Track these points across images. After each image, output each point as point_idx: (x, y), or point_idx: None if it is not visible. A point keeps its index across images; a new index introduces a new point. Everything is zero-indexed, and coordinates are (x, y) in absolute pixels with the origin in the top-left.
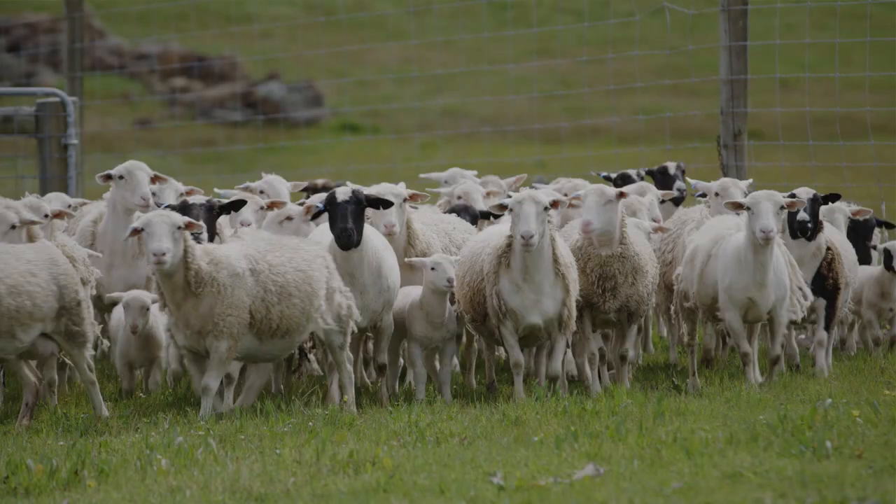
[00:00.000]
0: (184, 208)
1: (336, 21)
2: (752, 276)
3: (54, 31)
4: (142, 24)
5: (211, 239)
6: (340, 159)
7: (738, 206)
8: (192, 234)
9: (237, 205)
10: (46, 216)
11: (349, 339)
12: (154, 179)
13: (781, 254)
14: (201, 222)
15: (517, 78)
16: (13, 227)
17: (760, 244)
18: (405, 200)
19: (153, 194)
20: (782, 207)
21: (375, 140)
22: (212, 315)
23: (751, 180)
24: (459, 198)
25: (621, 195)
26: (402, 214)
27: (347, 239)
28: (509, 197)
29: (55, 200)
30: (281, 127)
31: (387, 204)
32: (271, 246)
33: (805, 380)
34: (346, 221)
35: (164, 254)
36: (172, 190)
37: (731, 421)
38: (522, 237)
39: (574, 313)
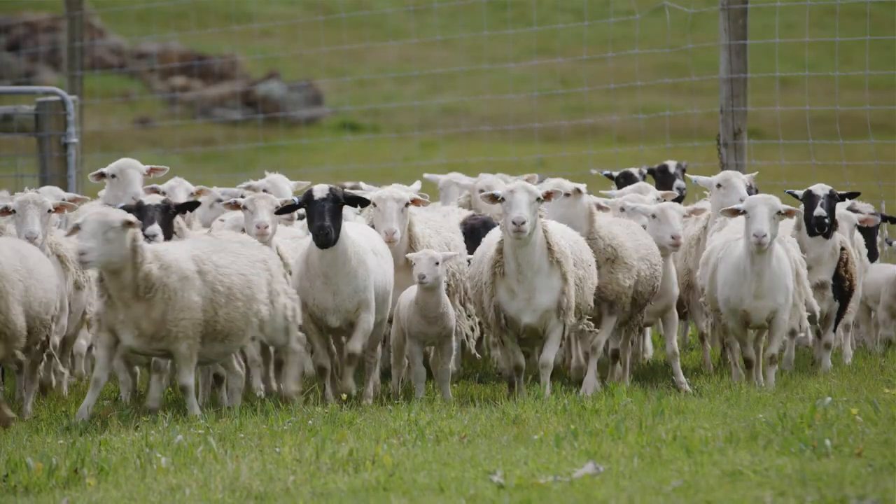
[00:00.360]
0: (139, 209)
1: (336, 20)
2: (749, 286)
3: (54, 30)
4: (141, 23)
5: (167, 240)
6: (340, 158)
7: (734, 213)
8: (146, 236)
9: (192, 206)
10: (50, 211)
11: (294, 336)
12: (150, 172)
13: (789, 261)
14: (141, 221)
15: (517, 77)
16: None
17: (755, 249)
18: (407, 205)
19: (163, 193)
20: (779, 213)
21: (375, 139)
22: (164, 322)
23: (756, 173)
24: (482, 191)
25: (577, 192)
26: (404, 219)
27: (325, 237)
28: None
29: (48, 195)
30: (281, 126)
31: (364, 202)
32: (214, 247)
33: (804, 378)
34: (323, 219)
35: (84, 253)
36: (183, 189)
37: (730, 419)
38: (514, 223)
39: (573, 302)
